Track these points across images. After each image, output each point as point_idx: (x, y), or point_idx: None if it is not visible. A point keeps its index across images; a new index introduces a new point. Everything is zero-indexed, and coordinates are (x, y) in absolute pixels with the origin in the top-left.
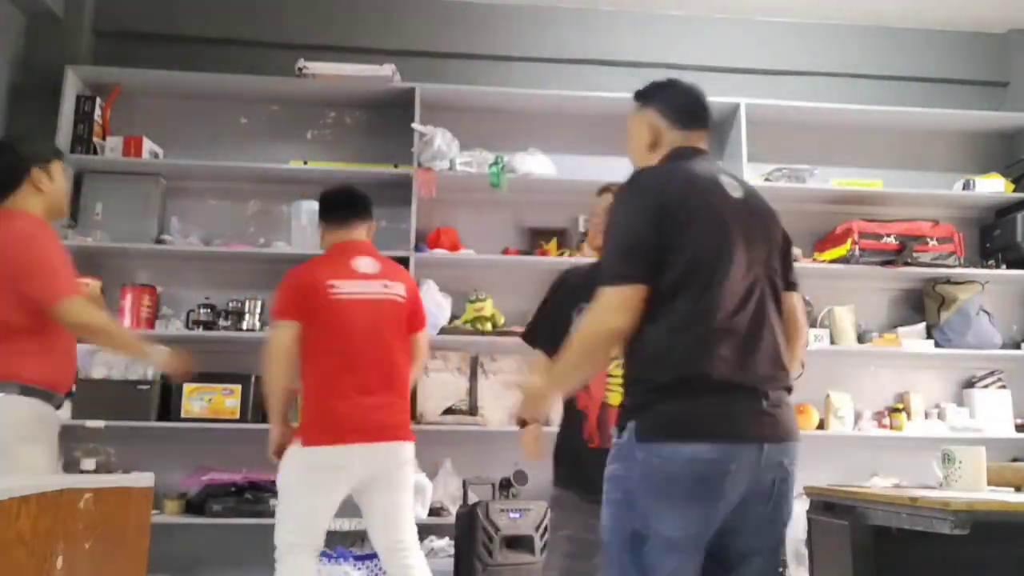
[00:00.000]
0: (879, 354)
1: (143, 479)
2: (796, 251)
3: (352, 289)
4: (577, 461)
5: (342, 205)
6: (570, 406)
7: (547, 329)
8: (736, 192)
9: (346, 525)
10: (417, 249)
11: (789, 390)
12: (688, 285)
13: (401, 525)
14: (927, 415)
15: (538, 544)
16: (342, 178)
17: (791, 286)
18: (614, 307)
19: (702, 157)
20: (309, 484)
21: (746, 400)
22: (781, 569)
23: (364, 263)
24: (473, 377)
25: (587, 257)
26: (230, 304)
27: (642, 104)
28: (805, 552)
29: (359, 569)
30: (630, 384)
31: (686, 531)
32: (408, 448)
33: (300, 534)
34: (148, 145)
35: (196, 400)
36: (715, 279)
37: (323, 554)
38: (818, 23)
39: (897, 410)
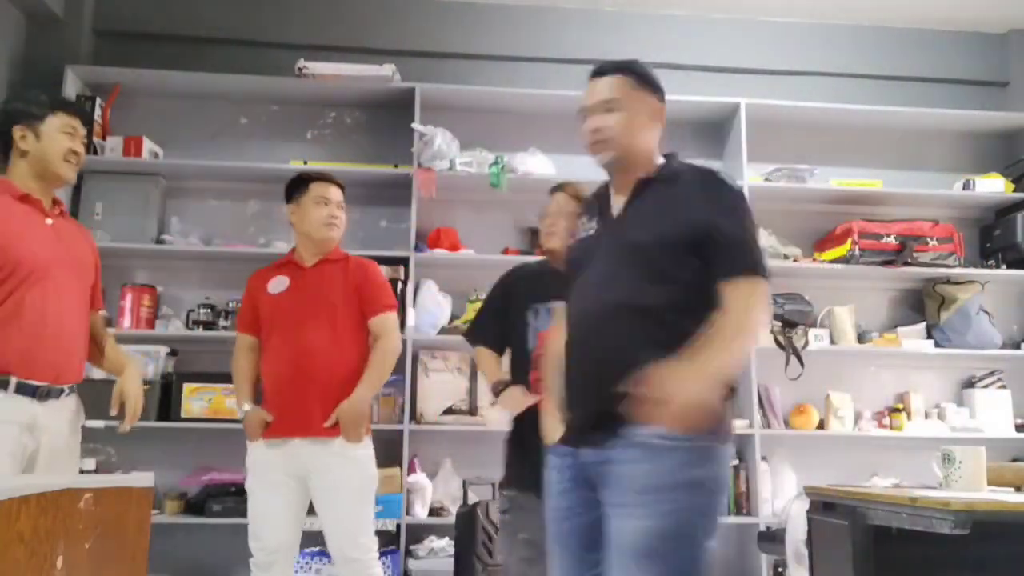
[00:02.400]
0: (879, 354)
1: (143, 479)
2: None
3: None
4: (537, 462)
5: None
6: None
7: (494, 328)
8: None
9: None
10: (417, 249)
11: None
12: None
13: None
14: (927, 415)
15: None
16: (342, 178)
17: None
18: (765, 301)
19: None
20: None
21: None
22: (781, 569)
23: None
24: (473, 377)
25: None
26: (230, 304)
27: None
28: (805, 552)
29: None
30: None
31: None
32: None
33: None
34: (148, 145)
35: (196, 400)
36: None
37: (323, 554)
38: (818, 23)
39: (897, 410)
